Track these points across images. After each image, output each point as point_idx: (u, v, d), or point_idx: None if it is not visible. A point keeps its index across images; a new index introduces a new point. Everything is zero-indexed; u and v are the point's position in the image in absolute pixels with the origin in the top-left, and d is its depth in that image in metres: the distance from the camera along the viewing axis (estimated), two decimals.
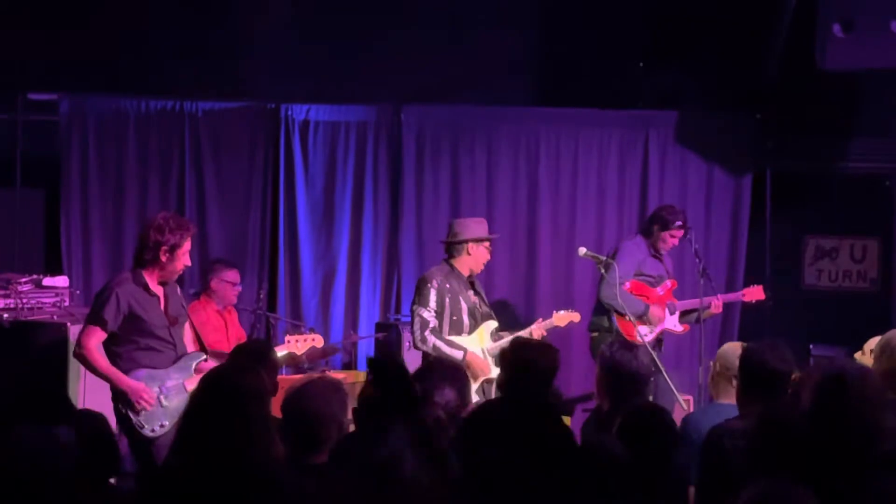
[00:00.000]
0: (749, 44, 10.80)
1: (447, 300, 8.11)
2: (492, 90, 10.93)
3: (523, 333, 8.25)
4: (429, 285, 8.13)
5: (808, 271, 11.48)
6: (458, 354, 7.96)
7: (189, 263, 7.25)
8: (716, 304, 9.52)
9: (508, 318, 9.66)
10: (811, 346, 10.31)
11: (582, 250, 8.69)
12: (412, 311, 8.20)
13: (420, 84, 10.82)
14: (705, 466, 4.91)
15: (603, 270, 8.78)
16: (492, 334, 8.30)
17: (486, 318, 8.32)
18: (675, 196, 10.97)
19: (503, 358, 6.17)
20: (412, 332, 8.19)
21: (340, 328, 10.87)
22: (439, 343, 8.01)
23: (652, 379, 6.51)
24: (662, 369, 8.11)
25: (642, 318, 9.27)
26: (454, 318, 8.12)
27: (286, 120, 10.80)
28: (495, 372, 7.95)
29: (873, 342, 6.84)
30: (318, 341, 8.06)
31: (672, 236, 9.51)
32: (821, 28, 9.65)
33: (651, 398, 7.28)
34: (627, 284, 9.26)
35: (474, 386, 7.81)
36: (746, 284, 10.30)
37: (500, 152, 11.08)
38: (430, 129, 11.03)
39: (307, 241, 10.86)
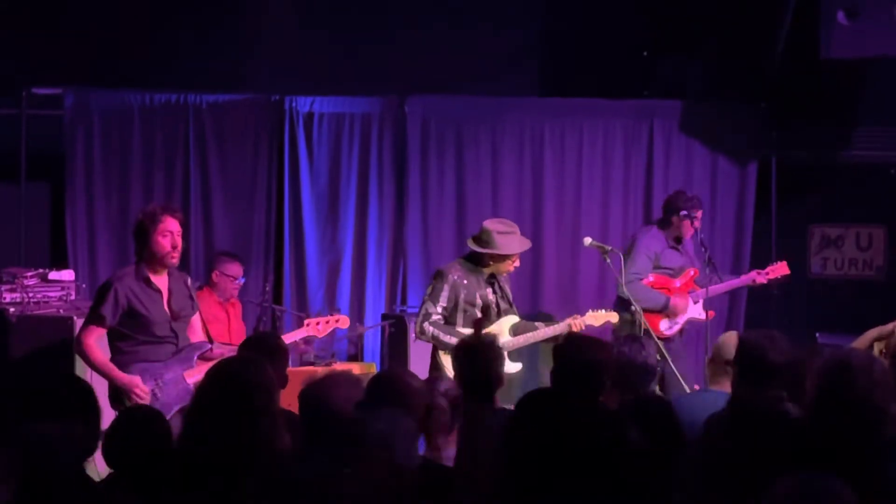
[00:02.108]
0: (753, 32, 10.80)
1: (461, 295, 8.07)
2: (496, 81, 10.93)
3: (559, 328, 8.20)
4: (444, 281, 8.09)
5: (814, 260, 11.47)
6: (455, 343, 7.93)
7: (177, 244, 7.08)
8: (759, 279, 9.56)
9: None
10: (817, 335, 10.29)
11: (587, 240, 8.65)
12: (422, 301, 8.21)
13: (424, 75, 10.81)
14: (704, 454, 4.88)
15: (608, 260, 8.75)
16: (511, 329, 8.27)
17: (504, 314, 8.27)
18: (679, 185, 10.94)
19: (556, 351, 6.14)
20: (415, 322, 8.21)
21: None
22: (436, 331, 7.99)
23: (659, 370, 6.51)
24: (669, 360, 8.09)
25: (663, 311, 9.27)
26: (466, 312, 8.07)
27: (290, 112, 10.78)
28: (511, 367, 7.91)
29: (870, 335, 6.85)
30: (342, 322, 7.99)
31: (692, 221, 9.47)
32: (825, 16, 9.65)
33: (658, 390, 7.30)
34: (651, 278, 9.27)
35: None
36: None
37: (505, 143, 11.08)
38: (435, 121, 11.01)
39: (312, 233, 10.86)
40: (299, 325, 8.27)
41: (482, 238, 8.20)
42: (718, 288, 9.59)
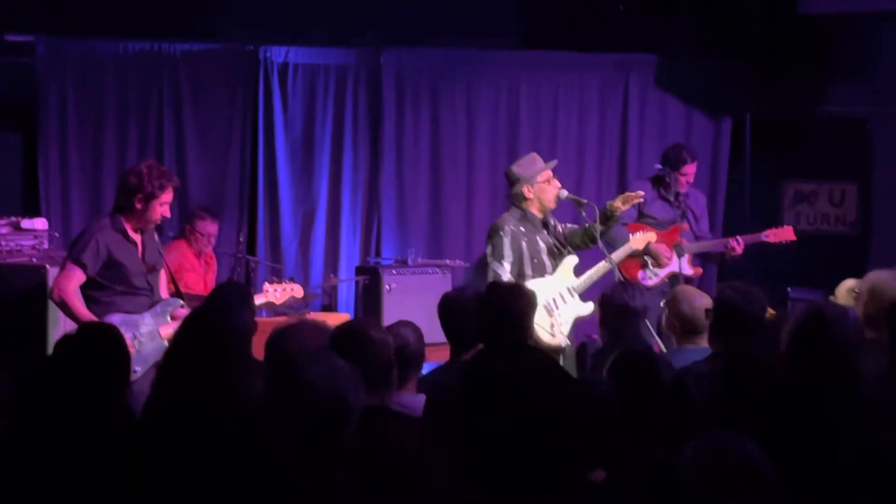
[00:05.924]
0: None
1: (524, 244, 7.83)
2: (472, 33, 10.87)
3: (615, 257, 8.16)
4: (501, 233, 7.81)
5: (787, 215, 11.50)
6: None
7: (167, 215, 7.21)
8: (734, 244, 9.51)
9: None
10: (789, 290, 10.34)
11: (563, 193, 8.46)
12: (487, 264, 7.92)
13: (400, 27, 10.74)
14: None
15: (584, 213, 8.70)
16: (574, 270, 8.05)
17: (566, 255, 8.06)
18: (654, 140, 11.01)
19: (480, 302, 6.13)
20: None
21: (320, 271, 10.86)
22: None
23: (645, 315, 6.56)
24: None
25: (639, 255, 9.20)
26: (535, 260, 7.84)
27: (265, 62, 10.71)
28: (586, 308, 7.80)
29: (846, 285, 6.90)
30: (297, 291, 7.92)
31: (683, 174, 9.48)
32: None
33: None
34: (628, 224, 9.21)
35: (566, 328, 7.75)
36: (725, 229, 10.37)
37: (481, 95, 11.07)
38: (410, 73, 10.99)
39: (287, 184, 10.82)
40: (274, 275, 8.27)
41: (509, 180, 8.07)
42: (700, 246, 9.60)
